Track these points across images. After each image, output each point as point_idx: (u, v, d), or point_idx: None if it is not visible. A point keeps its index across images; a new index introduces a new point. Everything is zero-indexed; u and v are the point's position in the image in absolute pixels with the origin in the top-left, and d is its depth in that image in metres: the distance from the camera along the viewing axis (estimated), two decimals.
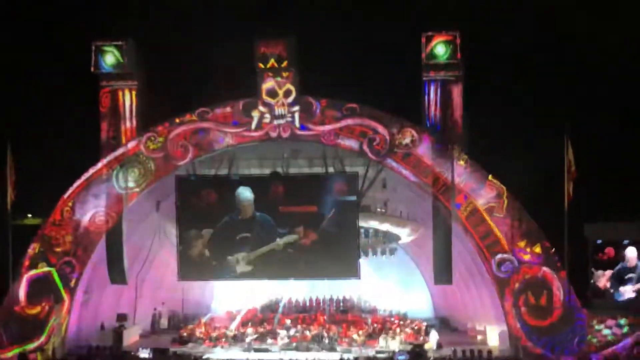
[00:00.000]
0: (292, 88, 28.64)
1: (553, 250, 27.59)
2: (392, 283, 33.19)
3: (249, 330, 30.34)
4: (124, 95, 29.27)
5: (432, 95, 28.39)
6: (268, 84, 28.71)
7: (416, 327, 30.34)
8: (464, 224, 27.81)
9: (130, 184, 28.96)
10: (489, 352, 27.60)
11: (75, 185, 29.03)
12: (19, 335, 28.17)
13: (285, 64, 28.44)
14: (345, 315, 32.20)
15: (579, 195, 27.47)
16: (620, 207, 28.74)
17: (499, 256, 27.61)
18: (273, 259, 29.45)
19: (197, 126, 28.87)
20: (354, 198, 29.06)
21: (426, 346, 28.40)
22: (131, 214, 29.13)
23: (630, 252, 27.18)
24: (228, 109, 28.88)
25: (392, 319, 31.40)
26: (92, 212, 28.97)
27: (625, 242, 27.41)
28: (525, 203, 27.88)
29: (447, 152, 27.89)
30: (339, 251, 29.17)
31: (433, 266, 28.46)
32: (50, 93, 32.20)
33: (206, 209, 29.55)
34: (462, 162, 27.91)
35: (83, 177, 29.06)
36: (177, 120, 29.00)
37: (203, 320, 32.15)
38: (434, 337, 29.33)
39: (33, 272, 28.68)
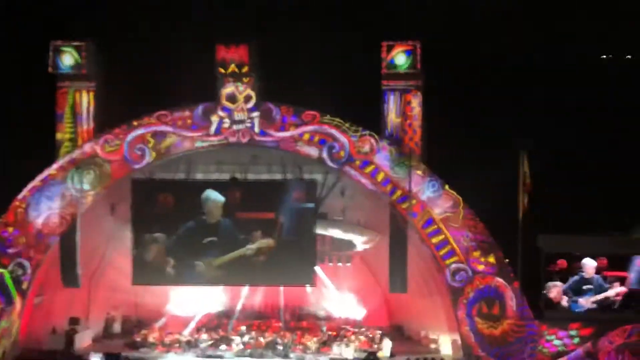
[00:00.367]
0: (252, 94, 28.64)
1: (507, 260, 27.92)
2: (347, 291, 33.20)
3: (203, 336, 30.18)
4: (81, 96, 29.01)
5: (392, 104, 28.61)
6: (228, 89, 28.68)
7: (370, 335, 30.42)
8: (420, 233, 28.03)
9: (86, 187, 28.69)
10: None
11: (29, 186, 28.69)
12: None
13: (245, 69, 28.45)
14: (299, 322, 32.17)
15: (533, 207, 27.85)
16: (573, 219, 29.19)
17: (454, 266, 27.86)
18: (229, 266, 29.38)
19: (155, 129, 28.72)
20: (312, 205, 29.11)
21: (380, 354, 28.52)
22: (86, 216, 28.87)
23: (589, 263, 27.55)
24: (187, 113, 28.77)
25: (347, 327, 31.45)
26: (46, 214, 28.65)
27: (578, 254, 27.80)
28: (481, 213, 28.18)
29: (405, 162, 28.08)
30: (295, 258, 29.19)
31: (389, 274, 28.63)
32: (6, 93, 31.73)
33: (162, 213, 29.38)
34: (419, 172, 28.13)
35: (37, 179, 28.73)
36: (135, 123, 28.82)
37: (156, 325, 31.87)
38: (387, 345, 29.45)
39: None
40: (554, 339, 27.57)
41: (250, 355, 28.72)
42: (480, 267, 27.86)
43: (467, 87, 31.79)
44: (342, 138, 28.29)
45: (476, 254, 27.89)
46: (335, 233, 31.20)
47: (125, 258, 30.06)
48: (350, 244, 31.47)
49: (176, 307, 33.37)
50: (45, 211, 28.62)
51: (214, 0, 32.02)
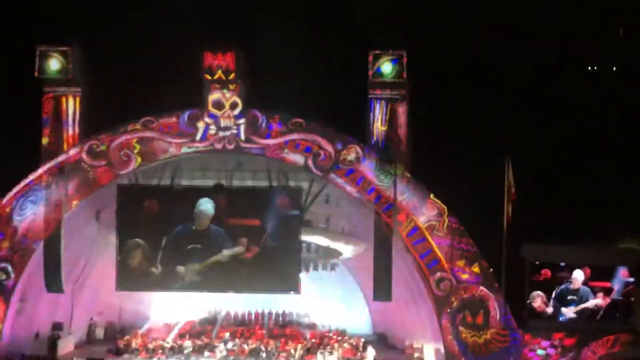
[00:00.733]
0: (239, 101, 28.66)
1: (491, 270, 27.99)
2: (331, 298, 33.21)
3: (187, 342, 30.10)
4: (67, 101, 28.94)
5: (378, 113, 28.67)
6: (214, 95, 28.68)
7: (354, 343, 30.41)
8: (405, 241, 28.08)
9: (71, 192, 28.59)
10: None
11: (13, 191, 28.59)
12: None
13: (232, 76, 28.46)
14: (283, 330, 32.13)
15: (517, 217, 27.95)
16: (557, 229, 29.32)
17: (438, 274, 27.92)
18: (213, 272, 29.36)
19: (140, 135, 28.68)
20: (297, 212, 29.13)
21: None
22: (70, 221, 28.77)
23: (577, 274, 27.68)
24: (173, 119, 28.75)
25: (331, 335, 31.44)
26: (31, 219, 28.54)
27: (562, 264, 27.93)
28: (466, 223, 28.26)
29: (391, 170, 28.15)
30: (280, 265, 29.19)
31: (373, 283, 28.65)
32: None
33: (147, 219, 29.33)
34: (404, 180, 28.19)
35: (22, 183, 28.63)
36: (121, 129, 28.77)
37: (140, 331, 31.79)
38: (371, 353, 29.47)
39: None
40: (538, 349, 27.66)
41: None
42: (465, 277, 27.93)
43: (452, 97, 31.92)
44: (328, 146, 28.34)
45: (460, 263, 27.96)
46: (320, 240, 31.19)
47: (110, 264, 29.97)
48: (334, 252, 31.46)
49: (160, 313, 33.33)
50: (30, 216, 28.53)
51: (202, 7, 31.96)
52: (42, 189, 28.56)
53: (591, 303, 27.50)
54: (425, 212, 28.10)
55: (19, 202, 28.57)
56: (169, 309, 33.31)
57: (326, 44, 32.49)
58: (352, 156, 28.37)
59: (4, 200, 28.54)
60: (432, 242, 27.98)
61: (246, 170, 29.66)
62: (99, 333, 32.68)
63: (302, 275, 29.93)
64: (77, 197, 28.67)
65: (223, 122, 28.58)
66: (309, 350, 29.62)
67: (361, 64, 28.61)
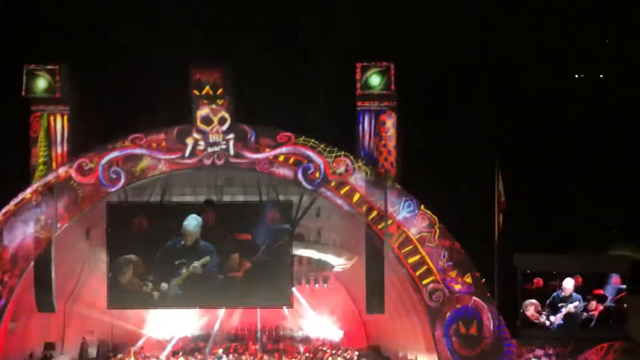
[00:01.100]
0: (227, 116, 28.60)
1: (483, 280, 27.96)
2: (325, 312, 33.16)
3: (180, 359, 29.98)
4: (55, 120, 28.86)
5: (367, 125, 28.64)
6: (203, 111, 28.61)
7: (348, 356, 30.38)
8: (396, 253, 28.03)
9: (60, 211, 28.50)
10: None
11: (3, 210, 28.45)
12: None
13: (220, 91, 28.39)
14: (277, 345, 32.07)
15: (508, 226, 27.95)
16: (548, 238, 29.35)
17: (431, 286, 27.86)
18: (205, 287, 29.24)
19: (129, 152, 28.61)
20: (287, 226, 29.07)
21: None
22: (61, 240, 28.63)
23: (567, 283, 27.67)
24: (162, 136, 28.67)
25: (325, 348, 31.39)
26: (21, 239, 28.39)
27: (554, 272, 27.91)
28: (457, 233, 28.25)
29: (381, 182, 28.13)
30: (272, 279, 29.10)
31: (365, 295, 28.57)
32: None
33: (138, 236, 29.23)
34: (395, 192, 28.17)
35: (12, 203, 28.50)
36: (110, 146, 28.71)
37: (133, 349, 31.66)
38: None
39: None
40: (532, 358, 27.60)
41: None
42: (457, 287, 27.88)
43: (440, 107, 32.01)
44: (318, 159, 28.29)
45: (453, 273, 27.90)
46: (312, 254, 31.15)
47: (101, 282, 29.84)
48: (326, 265, 31.42)
49: (153, 330, 33.22)
50: (20, 236, 28.38)
51: (188, 23, 32.02)
52: (31, 208, 28.43)
53: (571, 306, 27.47)
54: (416, 223, 28.06)
55: (9, 222, 28.43)
56: (161, 326, 33.21)
57: (313, 57, 32.56)
58: (341, 169, 28.33)
59: None
60: (424, 254, 27.93)
61: (236, 186, 29.60)
62: (92, 352, 32.48)
63: (295, 289, 29.85)
64: (67, 216, 28.55)
65: (212, 138, 28.52)
66: None
67: (349, 75, 28.58)
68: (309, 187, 28.41)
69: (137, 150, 28.54)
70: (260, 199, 29.40)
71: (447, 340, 27.61)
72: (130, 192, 29.30)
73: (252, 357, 30.07)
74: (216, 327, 32.98)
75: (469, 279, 27.90)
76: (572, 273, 27.72)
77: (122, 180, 28.55)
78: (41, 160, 28.76)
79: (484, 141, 31.43)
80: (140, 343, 32.52)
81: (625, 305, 27.58)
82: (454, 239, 28.04)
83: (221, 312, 32.10)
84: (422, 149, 30.40)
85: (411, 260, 27.96)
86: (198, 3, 33.19)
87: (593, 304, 27.66)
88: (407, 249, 27.98)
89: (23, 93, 28.61)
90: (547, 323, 27.70)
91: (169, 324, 33.13)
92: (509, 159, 28.54)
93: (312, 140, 28.50)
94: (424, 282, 27.86)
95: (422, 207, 28.15)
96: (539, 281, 27.94)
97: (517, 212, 28.42)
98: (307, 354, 30.64)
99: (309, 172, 28.32)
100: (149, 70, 30.88)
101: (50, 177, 28.50)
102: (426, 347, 28.76)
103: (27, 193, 28.49)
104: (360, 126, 28.60)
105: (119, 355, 30.97)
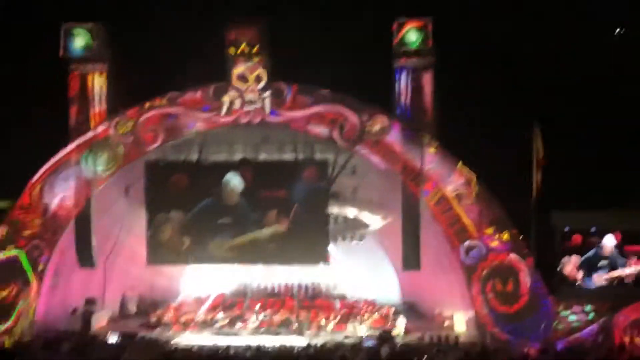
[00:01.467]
0: (263, 74, 28.58)
1: (521, 237, 27.85)
2: (361, 269, 33.34)
3: (218, 315, 30.38)
4: (93, 78, 29.06)
5: (403, 82, 28.45)
6: (239, 69, 28.61)
7: (384, 313, 30.53)
8: (433, 210, 27.99)
9: (99, 168, 28.83)
10: (457, 337, 27.87)
11: (43, 169, 28.86)
12: None
13: (256, 49, 28.37)
14: (313, 301, 32.32)
15: (547, 183, 27.74)
16: (587, 195, 29.07)
17: (467, 243, 27.82)
18: (244, 245, 29.51)
19: (167, 111, 28.75)
20: (324, 185, 29.13)
21: (394, 332, 28.60)
22: (100, 198, 29.03)
23: (608, 240, 27.41)
24: (198, 94, 28.78)
25: (361, 305, 31.57)
26: (61, 196, 28.81)
27: (593, 229, 27.69)
28: (494, 190, 28.10)
29: (417, 140, 28.02)
30: (308, 237, 29.24)
31: (402, 252, 28.64)
32: (18, 76, 31.89)
33: (176, 194, 29.50)
34: (432, 150, 28.06)
35: (52, 161, 28.89)
36: (147, 105, 28.87)
37: (172, 305, 32.13)
38: (401, 322, 29.55)
39: (0, 255, 28.51)
40: (569, 315, 27.50)
41: (265, 334, 28.87)
42: (494, 244, 27.80)
43: (479, 63, 31.63)
44: (353, 117, 28.21)
45: (489, 231, 27.82)
46: (348, 212, 31.22)
47: (140, 239, 30.23)
48: (362, 223, 31.52)
49: (191, 286, 33.64)
50: (60, 193, 28.78)
51: None
52: (71, 166, 28.78)
53: (624, 271, 27.23)
54: (453, 180, 27.94)
55: (50, 179, 28.83)
56: (200, 283, 33.62)
57: (350, 14, 32.28)
58: (377, 127, 28.24)
59: (35, 179, 28.81)
60: (460, 211, 27.85)
61: (272, 144, 29.67)
62: (132, 308, 33.09)
63: (331, 247, 29.98)
64: (106, 174, 28.86)
65: (248, 96, 28.54)
66: (340, 321, 29.74)
67: (386, 32, 28.34)
68: (345, 145, 28.39)
69: (174, 109, 28.68)
70: (296, 158, 29.46)
71: (484, 297, 27.62)
72: (168, 151, 29.53)
73: (289, 313, 30.32)
74: (254, 283, 33.31)
75: (506, 236, 27.80)
76: (611, 230, 27.48)
77: (160, 138, 28.74)
78: (80, 118, 29.00)
79: (523, 97, 31.07)
80: (179, 299, 32.99)
81: None
82: (491, 196, 27.91)
83: (259, 269, 32.36)
84: (459, 106, 30.11)
85: (447, 217, 27.91)
86: None
87: (632, 260, 27.40)
88: (443, 206, 27.92)
89: (61, 52, 28.82)
90: (586, 281, 27.54)
91: (207, 280, 33.52)
92: (548, 115, 28.22)
93: (349, 98, 28.42)
94: (461, 239, 27.83)
95: (459, 164, 28.03)
96: (577, 238, 27.73)
97: (556, 169, 28.16)
98: (344, 311, 30.82)
99: (345, 130, 28.27)
100: (186, 28, 30.84)
101: (89, 136, 28.78)
102: (463, 303, 28.82)
103: (67, 151, 28.84)
104: (397, 84, 28.40)
105: (158, 311, 31.44)
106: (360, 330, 29.06)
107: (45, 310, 29.22)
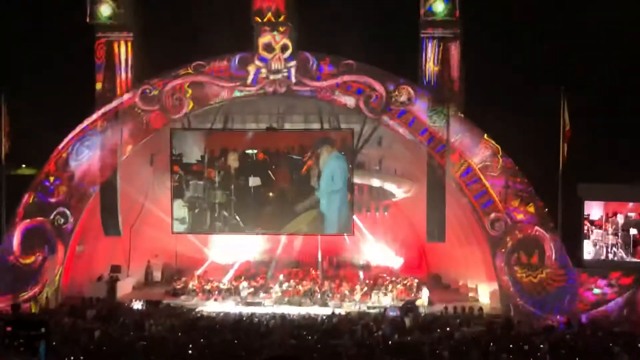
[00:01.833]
0: (289, 43, 28.46)
1: (546, 210, 27.70)
2: (385, 240, 33.29)
3: (243, 284, 30.50)
4: (119, 46, 29.04)
5: (430, 52, 28.24)
6: (265, 38, 28.51)
7: (408, 284, 30.52)
8: (458, 182, 27.89)
9: (125, 137, 28.87)
10: (480, 309, 27.86)
11: (69, 136, 28.96)
12: (12, 285, 28.27)
13: (282, 18, 28.25)
14: (338, 271, 32.38)
15: (573, 156, 27.53)
16: (613, 168, 28.82)
17: (493, 215, 27.73)
18: (266, 214, 29.60)
19: (192, 79, 28.72)
20: (349, 155, 29.10)
21: (418, 302, 28.59)
22: (125, 165, 29.12)
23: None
24: (224, 63, 28.72)
25: (385, 275, 31.59)
26: (87, 164, 28.92)
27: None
28: (520, 162, 27.94)
29: (444, 111, 27.83)
30: (333, 207, 29.25)
31: (426, 224, 28.57)
32: (45, 43, 31.91)
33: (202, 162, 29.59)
34: (457, 121, 27.89)
35: (78, 129, 28.97)
36: (173, 73, 28.85)
37: (196, 273, 32.29)
38: (425, 293, 29.55)
39: (27, 222, 28.71)
40: (594, 288, 27.37)
41: (289, 303, 28.99)
42: (520, 217, 27.70)
43: (505, 34, 31.31)
44: (379, 87, 28.09)
45: (515, 203, 27.72)
46: (373, 182, 31.16)
47: (165, 207, 30.33)
48: (387, 194, 31.47)
49: (216, 255, 33.78)
50: (86, 161, 28.89)
51: None
52: (97, 134, 28.86)
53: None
54: (479, 152, 27.82)
55: (75, 147, 28.95)
56: (224, 251, 33.74)
57: None
58: (404, 97, 28.10)
59: (61, 146, 28.92)
60: (486, 183, 27.74)
61: (297, 114, 29.61)
62: (156, 275, 33.31)
63: (356, 217, 29.97)
64: (132, 142, 28.94)
65: (274, 65, 28.45)
66: (363, 291, 29.78)
67: (413, 2, 28.10)
68: (370, 115, 28.29)
69: (200, 77, 28.65)
70: (321, 127, 29.38)
71: (509, 268, 27.54)
72: (193, 119, 29.54)
73: (312, 283, 30.40)
74: (278, 252, 33.40)
75: (531, 209, 27.69)
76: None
77: (185, 107, 28.75)
78: (106, 86, 29.00)
79: (550, 70, 30.76)
80: (203, 267, 33.14)
81: None
82: (517, 168, 27.76)
83: (283, 238, 32.43)
84: (486, 77, 29.85)
85: (473, 189, 27.81)
86: None
87: None
88: (469, 178, 27.81)
89: (87, 20, 28.79)
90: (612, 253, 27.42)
91: (232, 249, 33.63)
92: (575, 87, 27.93)
93: (374, 68, 28.27)
94: (486, 211, 27.73)
95: (485, 135, 27.88)
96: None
97: (582, 142, 27.92)
98: (367, 281, 30.87)
99: (371, 100, 28.16)
100: None
101: (115, 104, 28.82)
102: (487, 275, 28.79)
103: (93, 119, 28.90)
104: (424, 54, 28.19)
105: (183, 279, 31.61)
106: (384, 300, 29.11)
107: (70, 277, 29.47)
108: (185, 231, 30.68)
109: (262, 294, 29.88)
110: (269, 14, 28.27)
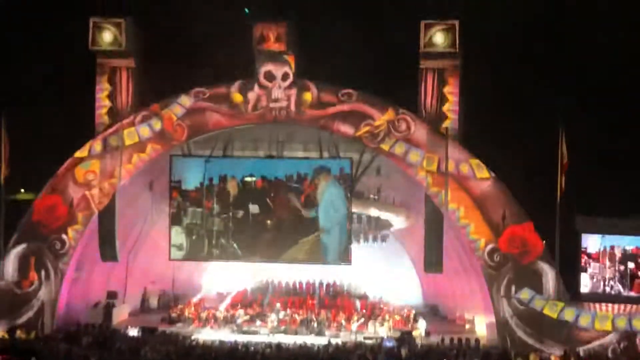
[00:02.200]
0: (290, 71, 28.58)
1: (544, 242, 27.70)
2: (382, 270, 33.26)
3: (239, 311, 30.39)
4: (120, 72, 29.16)
5: (429, 83, 28.37)
6: (266, 66, 28.61)
7: (405, 314, 30.45)
8: (456, 212, 27.85)
9: (124, 162, 28.86)
10: (477, 341, 27.77)
11: (68, 161, 28.93)
12: (8, 311, 28.18)
13: (283, 47, 28.38)
14: (334, 300, 32.28)
15: (571, 188, 27.58)
16: (611, 201, 28.89)
17: (490, 246, 27.70)
18: (264, 242, 29.58)
19: (192, 106, 28.81)
20: (347, 184, 29.13)
21: (414, 333, 28.51)
22: (124, 192, 29.10)
23: None
24: (224, 90, 28.81)
25: (381, 306, 31.50)
26: (85, 188, 28.87)
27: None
28: (517, 193, 27.98)
29: (442, 141, 27.91)
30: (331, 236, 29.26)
31: (424, 254, 28.54)
32: (47, 69, 32.07)
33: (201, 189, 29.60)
34: (456, 151, 27.95)
35: (77, 153, 28.94)
36: (173, 100, 28.88)
37: (193, 300, 32.20)
38: (422, 324, 29.47)
39: (23, 246, 28.62)
40: (591, 321, 27.27)
41: (285, 332, 28.86)
42: (517, 249, 27.63)
43: (504, 66, 31.52)
44: (379, 116, 28.16)
45: (513, 234, 27.64)
46: (371, 212, 31.17)
47: (163, 234, 30.30)
48: (385, 223, 31.44)
49: (212, 282, 33.69)
50: (85, 185, 28.81)
51: None
52: (96, 158, 28.80)
53: None
54: (477, 182, 27.82)
55: (74, 172, 28.86)
56: (221, 279, 33.67)
57: (377, 14, 32.23)
58: (402, 127, 28.18)
59: (59, 171, 28.88)
60: (484, 213, 27.70)
61: (297, 142, 29.68)
62: (153, 302, 33.19)
63: (353, 247, 29.95)
64: (131, 167, 28.93)
65: (274, 93, 28.55)
66: (360, 321, 29.66)
67: (413, 33, 28.27)
68: (369, 144, 28.35)
69: (200, 104, 28.72)
70: (320, 156, 29.46)
71: (506, 300, 27.47)
72: (192, 146, 29.60)
73: (309, 312, 30.30)
74: (274, 281, 33.33)
75: (529, 241, 27.61)
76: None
77: (185, 134, 28.80)
78: (106, 112, 29.07)
79: (548, 103, 30.92)
80: (200, 295, 33.05)
81: None
82: (514, 200, 27.76)
83: (280, 267, 32.36)
84: (484, 108, 30.00)
85: (471, 219, 27.77)
86: None
87: None
88: (466, 208, 27.77)
89: (89, 46, 28.91)
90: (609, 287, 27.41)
91: (228, 277, 33.58)
92: (573, 119, 28.05)
93: (374, 98, 28.38)
94: (483, 242, 27.69)
95: (483, 166, 27.88)
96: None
97: (580, 174, 28.00)
98: (364, 311, 30.78)
99: (370, 129, 28.22)
100: (213, 24, 30.88)
101: (115, 129, 28.85)
102: (484, 307, 28.70)
103: (92, 144, 28.87)
104: (423, 84, 28.33)
105: (179, 306, 31.51)
106: (381, 330, 28.99)
107: (66, 303, 29.32)
108: (183, 258, 30.60)
109: (258, 322, 29.75)
110: (270, 43, 28.40)
